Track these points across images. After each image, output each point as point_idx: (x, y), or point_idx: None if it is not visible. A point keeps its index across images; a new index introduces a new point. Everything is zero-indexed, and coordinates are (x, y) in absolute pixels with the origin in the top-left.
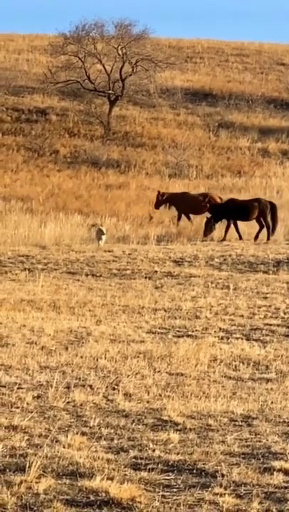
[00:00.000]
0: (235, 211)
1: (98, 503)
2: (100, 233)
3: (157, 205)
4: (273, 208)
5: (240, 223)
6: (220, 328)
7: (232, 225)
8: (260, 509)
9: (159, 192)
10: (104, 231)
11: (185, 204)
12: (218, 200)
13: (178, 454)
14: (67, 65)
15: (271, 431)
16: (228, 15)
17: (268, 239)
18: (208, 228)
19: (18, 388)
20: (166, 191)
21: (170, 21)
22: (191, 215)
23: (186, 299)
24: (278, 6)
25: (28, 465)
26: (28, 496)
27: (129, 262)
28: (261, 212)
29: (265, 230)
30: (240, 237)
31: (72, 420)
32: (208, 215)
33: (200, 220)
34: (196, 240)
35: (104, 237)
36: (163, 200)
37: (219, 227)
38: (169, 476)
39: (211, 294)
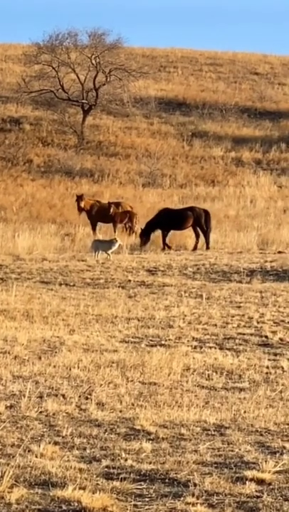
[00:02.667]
0: (169, 220)
1: None
2: (96, 245)
3: (79, 210)
4: (207, 215)
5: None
6: (193, 338)
7: (161, 235)
8: None
9: (77, 196)
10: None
11: (95, 213)
12: (129, 209)
13: (150, 463)
14: (41, 74)
15: (244, 440)
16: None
17: (207, 247)
18: (143, 240)
19: None
20: (91, 198)
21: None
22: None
23: (160, 308)
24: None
25: (0, 475)
26: (0, 505)
27: (102, 271)
28: (196, 220)
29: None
30: (168, 247)
31: (45, 430)
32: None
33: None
34: (170, 249)
35: (114, 247)
36: (80, 207)
37: (191, 237)
38: (141, 485)
39: (185, 303)
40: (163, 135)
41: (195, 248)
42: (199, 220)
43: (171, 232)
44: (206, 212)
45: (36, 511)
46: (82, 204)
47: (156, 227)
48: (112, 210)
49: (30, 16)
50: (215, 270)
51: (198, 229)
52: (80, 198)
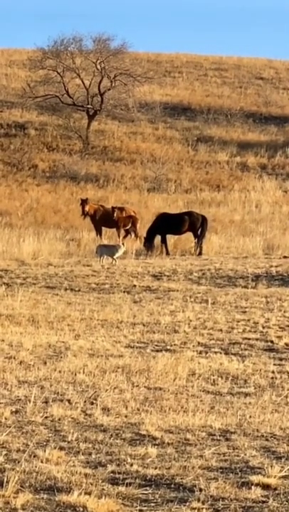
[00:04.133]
0: (166, 225)
1: None
2: (101, 250)
3: (84, 214)
4: (204, 221)
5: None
6: (198, 343)
7: (160, 239)
8: None
9: (82, 200)
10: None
11: (99, 217)
12: (133, 214)
13: (156, 468)
14: (46, 79)
15: (249, 445)
16: (207, 27)
17: (200, 253)
18: (147, 246)
19: None
20: (95, 202)
21: (148, 35)
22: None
23: (165, 313)
24: (258, 20)
25: (5, 480)
26: (5, 511)
27: (108, 276)
28: (191, 225)
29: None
30: (168, 253)
31: (50, 435)
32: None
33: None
34: (175, 254)
35: (119, 252)
36: (84, 211)
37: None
38: (146, 490)
39: (190, 309)
40: (168, 140)
41: (200, 253)
42: (194, 225)
43: (176, 237)
44: (204, 218)
45: None
46: (86, 208)
47: (156, 232)
48: (115, 214)
49: (35, 21)
50: (220, 275)
51: (198, 233)
52: (84, 202)
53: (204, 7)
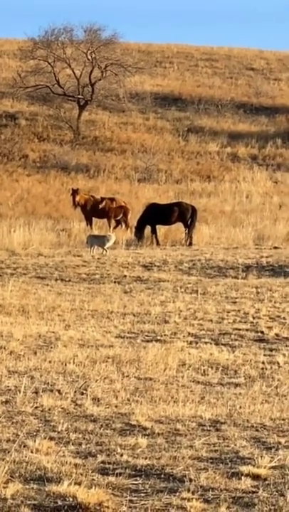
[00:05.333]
0: (155, 215)
1: (66, 507)
2: (91, 240)
3: (74, 204)
4: (194, 211)
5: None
6: (189, 333)
7: (150, 230)
8: None
9: (73, 190)
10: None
11: (90, 208)
12: (123, 204)
13: (146, 458)
14: (37, 69)
15: (239, 436)
16: (199, 19)
17: (190, 244)
18: (138, 236)
19: None
20: (86, 193)
21: (140, 25)
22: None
23: (155, 303)
24: (248, 11)
25: None
26: None
27: (98, 266)
28: (180, 215)
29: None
30: (158, 243)
31: (40, 425)
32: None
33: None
34: (165, 244)
35: (109, 242)
36: (75, 201)
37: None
38: (136, 480)
39: (180, 299)
40: (159, 130)
41: (190, 244)
42: (184, 216)
43: (167, 228)
44: (193, 209)
45: (32, 506)
46: (77, 198)
47: (146, 223)
48: (103, 203)
49: (26, 11)
50: (211, 266)
51: (188, 223)
52: (75, 192)
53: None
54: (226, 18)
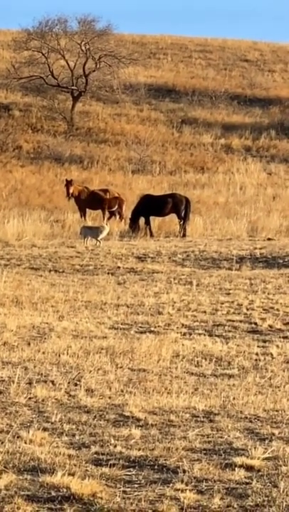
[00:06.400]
0: (149, 207)
1: (59, 498)
2: (85, 231)
3: (68, 195)
4: (187, 203)
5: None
6: (182, 324)
7: (144, 221)
8: (221, 505)
9: (67, 181)
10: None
11: (84, 199)
12: (117, 195)
13: (139, 449)
14: (31, 60)
15: (233, 427)
16: (194, 13)
17: (184, 235)
18: (133, 228)
19: None
20: (80, 184)
21: (134, 19)
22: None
23: (149, 294)
24: (242, 3)
25: None
26: None
27: (91, 257)
28: (174, 206)
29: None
30: (152, 234)
31: (34, 416)
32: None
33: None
34: (159, 236)
35: (103, 234)
36: (69, 192)
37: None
38: (130, 471)
39: (174, 290)
40: (153, 122)
41: (184, 235)
42: (178, 207)
43: (161, 219)
44: (187, 200)
45: (25, 497)
46: (71, 189)
47: (139, 214)
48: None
49: (20, 1)
50: (204, 257)
51: (182, 215)
52: (69, 183)
53: None
54: (221, 13)
